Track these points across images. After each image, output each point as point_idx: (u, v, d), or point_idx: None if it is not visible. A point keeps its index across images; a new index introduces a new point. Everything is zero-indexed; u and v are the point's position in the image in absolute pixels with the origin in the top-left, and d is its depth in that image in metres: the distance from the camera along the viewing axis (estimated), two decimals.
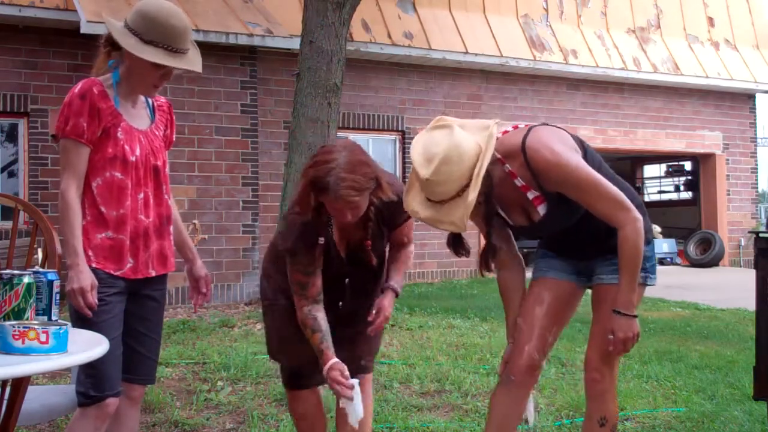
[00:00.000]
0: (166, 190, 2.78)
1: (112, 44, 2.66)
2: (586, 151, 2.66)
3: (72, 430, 2.54)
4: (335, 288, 2.85)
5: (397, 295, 2.93)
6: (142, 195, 2.66)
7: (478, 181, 2.41)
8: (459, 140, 2.42)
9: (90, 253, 2.56)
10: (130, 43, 2.57)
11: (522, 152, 2.54)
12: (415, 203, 2.52)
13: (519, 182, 2.60)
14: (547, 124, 2.67)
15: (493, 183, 2.53)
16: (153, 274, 2.71)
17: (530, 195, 2.61)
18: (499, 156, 2.56)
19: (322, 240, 2.72)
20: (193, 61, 2.66)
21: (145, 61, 2.56)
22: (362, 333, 2.90)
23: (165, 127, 2.84)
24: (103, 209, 2.58)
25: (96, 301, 2.47)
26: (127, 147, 2.62)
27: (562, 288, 2.85)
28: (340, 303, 2.89)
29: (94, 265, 2.55)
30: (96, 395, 2.52)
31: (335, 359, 2.71)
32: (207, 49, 9.04)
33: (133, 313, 2.69)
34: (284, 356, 3.05)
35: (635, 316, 2.57)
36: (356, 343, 2.95)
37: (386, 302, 2.87)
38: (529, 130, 2.59)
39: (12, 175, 9.21)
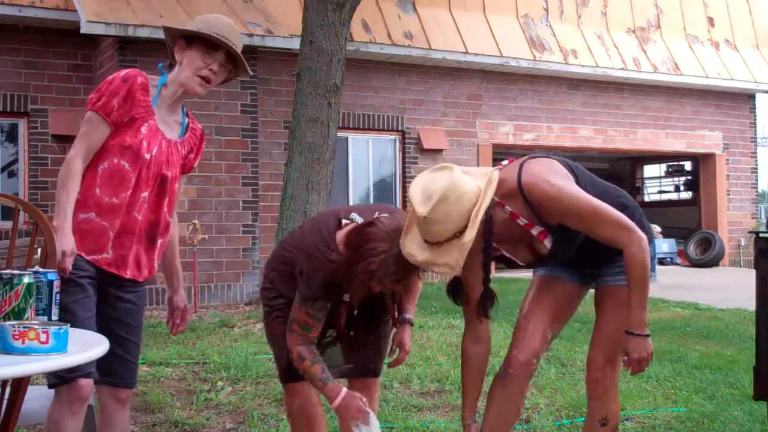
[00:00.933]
0: (169, 206, 2.72)
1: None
2: (577, 175, 2.66)
3: (50, 414, 2.51)
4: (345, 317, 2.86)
5: (411, 326, 2.98)
6: (145, 194, 2.63)
7: (476, 222, 2.38)
8: (458, 181, 2.41)
9: None
10: (183, 30, 2.61)
11: (519, 191, 2.54)
12: (412, 246, 2.48)
13: (522, 221, 2.59)
14: (535, 157, 2.65)
15: (496, 226, 2.51)
16: (127, 275, 2.64)
17: (534, 231, 2.61)
18: (498, 200, 2.55)
19: (346, 297, 2.68)
20: (243, 61, 2.72)
21: (196, 51, 2.61)
22: (372, 338, 2.90)
23: (190, 151, 2.81)
24: (97, 191, 2.55)
25: (70, 267, 2.42)
26: (145, 143, 2.60)
27: (565, 287, 2.85)
28: (351, 332, 2.91)
29: None
30: (64, 375, 2.46)
31: (346, 389, 2.67)
32: None
33: (111, 317, 2.64)
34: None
35: (648, 335, 2.55)
36: (366, 348, 2.94)
37: (406, 338, 2.94)
38: (521, 168, 2.57)
39: (12, 175, 9.22)
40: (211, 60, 2.66)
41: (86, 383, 2.51)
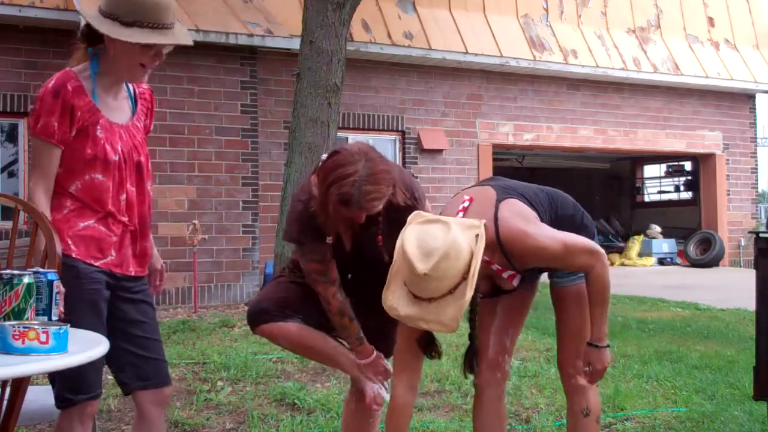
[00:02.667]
0: (149, 183, 2.66)
1: (88, 37, 2.49)
2: (538, 210, 2.68)
3: (59, 426, 2.50)
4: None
5: None
6: (124, 196, 2.55)
7: (473, 279, 2.38)
8: (456, 237, 2.39)
9: (69, 242, 2.44)
10: (112, 29, 2.40)
11: (499, 246, 2.57)
12: (393, 298, 2.44)
13: (495, 267, 2.64)
14: (501, 199, 2.63)
15: None
16: (132, 273, 2.61)
17: (505, 275, 2.67)
18: None
19: (329, 240, 2.67)
20: (181, 35, 2.51)
21: (131, 44, 2.40)
22: (377, 333, 2.86)
23: (145, 117, 2.70)
24: (85, 202, 2.48)
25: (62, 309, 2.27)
26: (108, 146, 2.49)
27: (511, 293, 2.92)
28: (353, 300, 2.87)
29: (74, 255, 2.43)
30: (71, 398, 2.44)
31: (376, 351, 2.74)
32: (207, 49, 9.06)
33: (126, 320, 2.58)
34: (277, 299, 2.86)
35: (608, 346, 2.68)
36: (373, 329, 2.87)
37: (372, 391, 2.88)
38: (496, 218, 2.57)
39: (12, 175, 9.21)
40: (152, 50, 2.47)
41: (94, 402, 2.50)
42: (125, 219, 2.56)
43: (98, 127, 2.48)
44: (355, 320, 2.73)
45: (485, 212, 2.61)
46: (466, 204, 2.67)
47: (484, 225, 2.52)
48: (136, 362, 2.60)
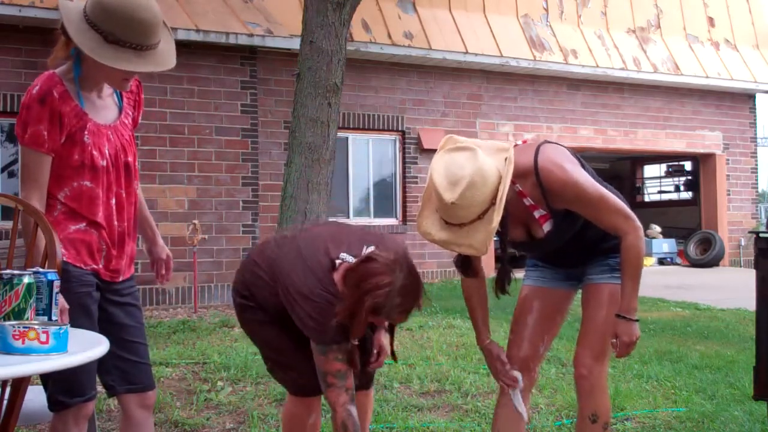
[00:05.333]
0: (136, 181, 2.63)
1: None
2: (583, 165, 2.72)
3: (53, 427, 2.49)
4: None
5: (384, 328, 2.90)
6: (114, 200, 2.53)
7: (501, 205, 2.42)
8: (482, 164, 2.43)
9: (60, 245, 2.38)
10: (91, 47, 2.31)
11: (534, 173, 2.57)
12: (428, 224, 2.51)
13: (528, 201, 2.63)
14: (550, 142, 2.70)
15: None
16: (121, 276, 2.59)
17: (537, 213, 2.65)
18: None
19: (356, 341, 2.64)
20: (164, 58, 2.41)
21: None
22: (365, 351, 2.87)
23: (133, 109, 2.64)
24: (75, 208, 2.46)
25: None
26: (95, 152, 2.45)
27: (551, 295, 2.92)
28: None
29: (65, 258, 2.39)
30: (65, 401, 2.42)
31: None
32: (207, 49, 9.07)
33: (114, 323, 2.57)
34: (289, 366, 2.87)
35: (637, 320, 2.63)
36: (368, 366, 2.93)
37: (384, 339, 2.88)
38: (537, 150, 2.61)
39: (12, 175, 9.21)
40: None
41: (89, 404, 2.49)
42: (114, 223, 2.54)
43: (86, 133, 2.44)
44: None
45: (530, 147, 2.64)
46: (519, 143, 2.72)
47: (524, 154, 2.55)
48: (122, 366, 2.59)
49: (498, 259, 2.74)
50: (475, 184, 2.39)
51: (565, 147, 2.71)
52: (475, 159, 2.43)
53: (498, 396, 2.95)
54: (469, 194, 2.39)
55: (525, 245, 2.80)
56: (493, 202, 2.43)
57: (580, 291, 2.90)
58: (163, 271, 2.83)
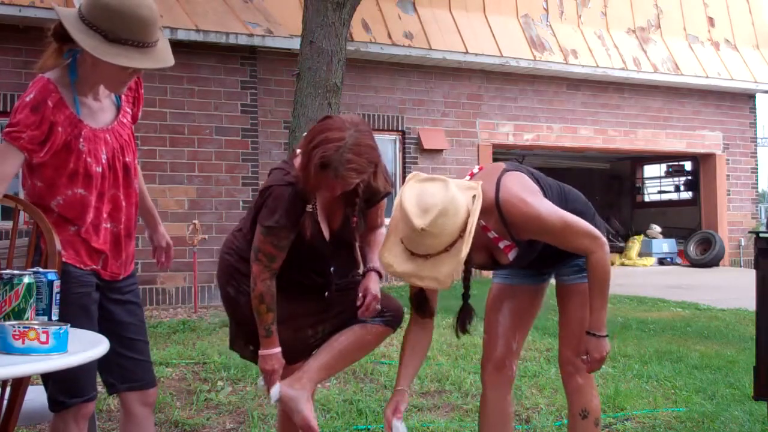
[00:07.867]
0: (136, 179, 2.62)
1: (62, 36, 2.38)
2: (543, 187, 2.70)
3: (54, 426, 2.50)
4: (320, 274, 2.81)
5: (381, 276, 2.88)
6: (108, 205, 2.51)
7: (470, 237, 2.39)
8: (454, 194, 2.41)
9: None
10: (93, 45, 2.29)
11: (497, 209, 2.57)
12: (390, 255, 2.46)
13: (492, 234, 2.64)
14: (509, 170, 2.67)
15: None
16: (120, 275, 2.59)
17: (502, 245, 2.66)
18: None
19: (310, 207, 2.65)
20: (164, 56, 2.40)
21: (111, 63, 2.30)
22: (349, 299, 2.83)
23: (132, 105, 2.63)
24: (69, 216, 2.45)
25: None
26: (89, 159, 2.43)
27: (521, 292, 2.95)
28: (326, 293, 2.85)
29: (64, 259, 2.39)
30: (65, 401, 2.42)
31: (279, 351, 2.70)
32: (207, 49, 9.07)
33: (115, 321, 2.57)
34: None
35: (606, 336, 2.66)
36: (346, 310, 2.87)
37: (371, 284, 2.82)
38: (498, 184, 2.59)
39: None
40: (132, 69, 2.38)
41: (89, 403, 2.49)
42: (109, 226, 2.53)
43: (81, 140, 2.42)
44: (273, 312, 2.67)
45: (490, 178, 2.62)
46: (476, 170, 2.72)
47: (485, 189, 2.53)
48: (124, 364, 2.59)
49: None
50: (447, 212, 2.36)
51: (523, 172, 2.69)
52: (447, 189, 2.41)
53: (482, 396, 2.99)
54: (440, 222, 2.35)
55: (488, 267, 2.82)
56: (461, 235, 2.39)
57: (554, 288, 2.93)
58: (163, 259, 2.87)
